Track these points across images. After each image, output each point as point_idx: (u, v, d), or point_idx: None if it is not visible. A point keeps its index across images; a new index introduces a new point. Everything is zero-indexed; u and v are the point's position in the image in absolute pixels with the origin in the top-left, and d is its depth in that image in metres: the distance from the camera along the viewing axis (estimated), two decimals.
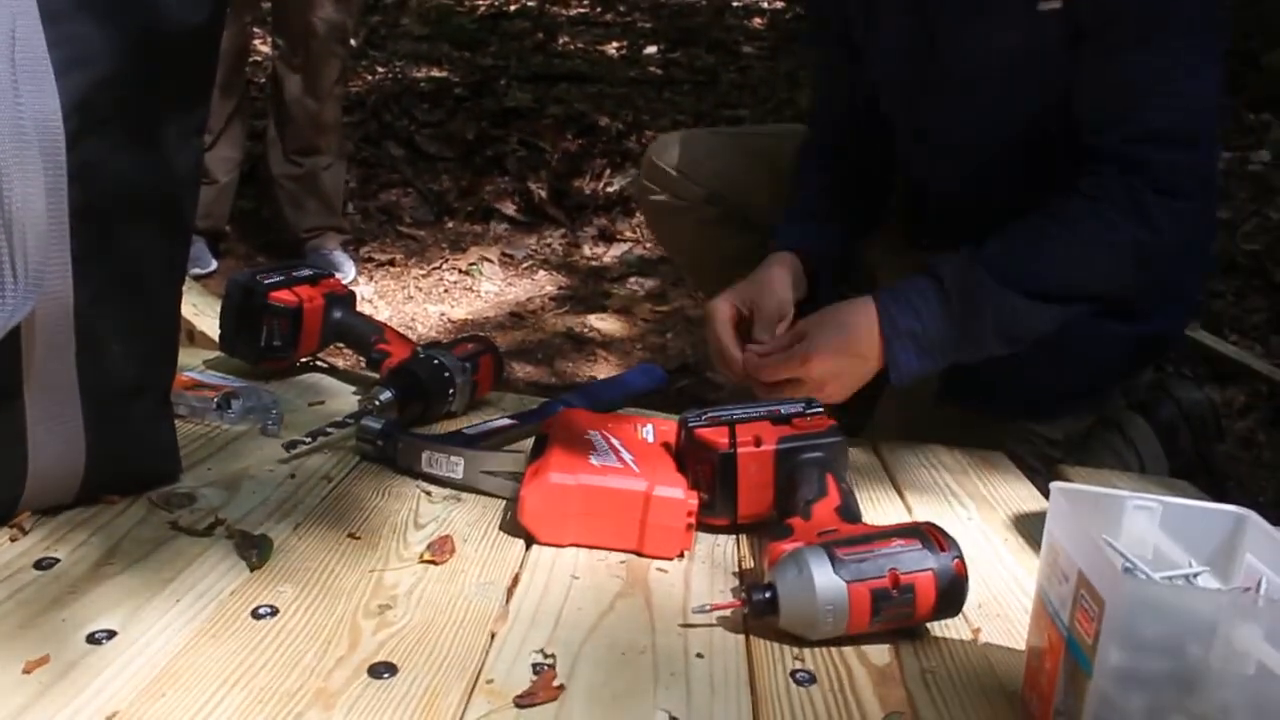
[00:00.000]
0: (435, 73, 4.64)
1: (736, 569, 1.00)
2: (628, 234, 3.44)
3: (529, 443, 1.12)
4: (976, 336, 1.32)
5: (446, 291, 3.08)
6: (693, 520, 1.00)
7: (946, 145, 1.53)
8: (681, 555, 1.00)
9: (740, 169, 1.80)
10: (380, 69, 4.65)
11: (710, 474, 1.05)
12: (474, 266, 3.20)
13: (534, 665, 0.80)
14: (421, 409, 1.26)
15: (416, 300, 3.01)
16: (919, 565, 0.87)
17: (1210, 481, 1.57)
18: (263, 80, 3.66)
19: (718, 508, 1.05)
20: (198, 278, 2.67)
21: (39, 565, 0.86)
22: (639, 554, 0.99)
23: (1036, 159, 1.39)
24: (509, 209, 3.56)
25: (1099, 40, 1.27)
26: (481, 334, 2.21)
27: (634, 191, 2.36)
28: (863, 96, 1.60)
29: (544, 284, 3.15)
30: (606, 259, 3.32)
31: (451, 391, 1.29)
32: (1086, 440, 1.67)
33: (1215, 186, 1.56)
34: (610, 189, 3.61)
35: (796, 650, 0.86)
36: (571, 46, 5.29)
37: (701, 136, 1.92)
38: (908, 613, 0.87)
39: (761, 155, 1.82)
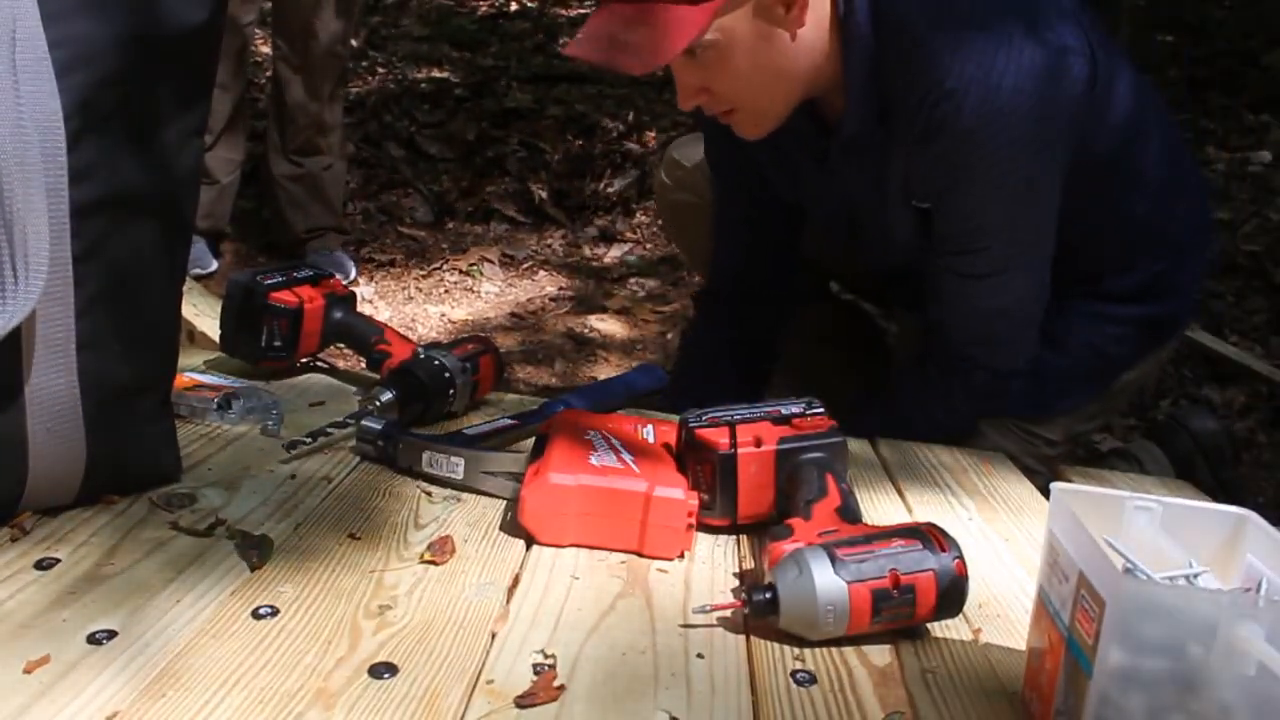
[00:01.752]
0: (436, 73, 4.64)
1: (737, 569, 1.00)
2: (628, 235, 3.44)
3: (529, 443, 1.12)
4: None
5: (447, 292, 3.08)
6: (693, 520, 1.00)
7: (874, 271, 1.77)
8: (682, 556, 1.00)
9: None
10: (381, 70, 4.65)
11: (710, 474, 1.04)
12: (474, 267, 3.20)
13: (534, 665, 0.80)
14: (422, 409, 1.26)
15: (417, 301, 3.01)
16: (919, 565, 0.87)
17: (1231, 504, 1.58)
18: (263, 80, 3.66)
19: (718, 508, 1.05)
20: (198, 278, 2.67)
21: (39, 565, 0.86)
22: (639, 554, 0.99)
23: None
24: (509, 210, 3.56)
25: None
26: (482, 334, 2.20)
27: (654, 190, 2.33)
28: (772, 232, 1.69)
29: (544, 285, 3.15)
30: (607, 260, 3.32)
31: (452, 392, 1.29)
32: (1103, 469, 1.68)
33: (1196, 192, 1.65)
34: (611, 190, 3.61)
35: (797, 650, 0.86)
36: None
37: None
38: (908, 613, 0.87)
39: None
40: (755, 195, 1.65)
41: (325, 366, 1.44)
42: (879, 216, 1.49)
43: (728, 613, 0.88)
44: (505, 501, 1.07)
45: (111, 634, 0.78)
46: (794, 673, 0.82)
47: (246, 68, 3.00)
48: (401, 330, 1.93)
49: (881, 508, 1.18)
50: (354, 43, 3.98)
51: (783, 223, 1.67)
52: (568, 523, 0.99)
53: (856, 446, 1.34)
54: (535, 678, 0.78)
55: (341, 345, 1.44)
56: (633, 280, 3.17)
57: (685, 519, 0.99)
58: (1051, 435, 1.59)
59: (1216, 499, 1.52)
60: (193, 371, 1.33)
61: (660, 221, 2.92)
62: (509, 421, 1.25)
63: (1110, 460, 1.73)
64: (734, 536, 1.06)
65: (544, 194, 3.61)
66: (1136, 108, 1.48)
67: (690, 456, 1.06)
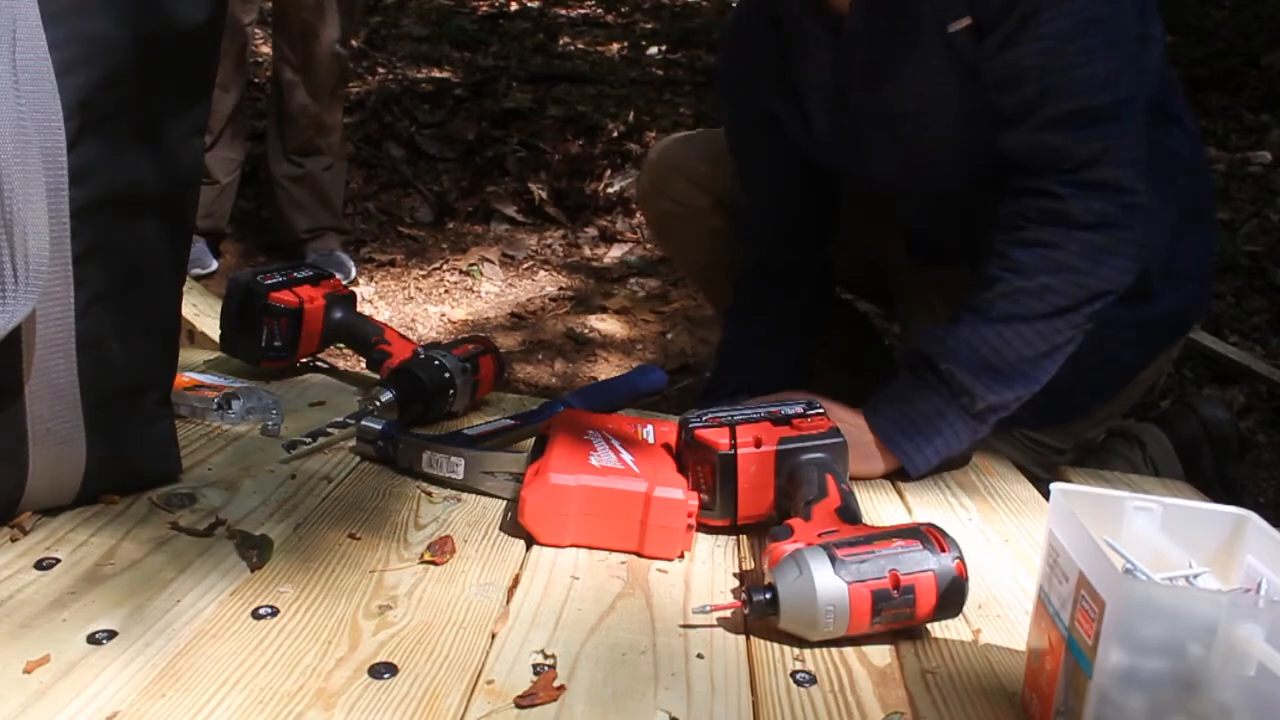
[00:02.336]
0: (436, 73, 4.64)
1: (737, 569, 1.00)
2: (628, 235, 3.44)
3: (529, 443, 1.12)
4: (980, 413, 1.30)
5: (447, 292, 3.08)
6: (693, 521, 1.00)
7: (902, 193, 1.56)
8: (682, 556, 1.00)
9: None
10: (381, 69, 4.65)
11: (710, 475, 1.04)
12: (474, 267, 3.20)
13: (534, 666, 0.80)
14: (422, 409, 1.26)
15: (417, 301, 3.01)
16: (919, 566, 0.87)
17: (1230, 501, 1.55)
18: (263, 80, 3.66)
19: (718, 509, 1.05)
20: (198, 278, 2.67)
21: (39, 565, 0.86)
22: (639, 555, 0.99)
23: (990, 189, 1.38)
24: (509, 210, 3.55)
25: (994, 37, 1.27)
26: (482, 335, 2.20)
27: (635, 195, 2.30)
28: (797, 172, 1.60)
29: (544, 285, 3.15)
30: (607, 260, 3.32)
31: (452, 392, 1.29)
32: (1103, 454, 1.66)
33: (1186, 160, 1.52)
34: (611, 190, 3.61)
35: (797, 651, 0.86)
36: (572, 47, 5.29)
37: (707, 138, 1.84)
38: (908, 613, 0.87)
39: None
40: (782, 173, 1.60)
41: (325, 366, 1.44)
42: (892, 62, 1.37)
43: (728, 613, 0.88)
44: (505, 501, 1.07)
45: (111, 634, 0.78)
46: (794, 673, 0.82)
47: (246, 68, 3.00)
48: (401, 330, 1.93)
49: (881, 508, 1.18)
50: (354, 43, 3.98)
51: (812, 200, 1.62)
52: (568, 523, 0.99)
53: None
54: (535, 678, 0.78)
55: (341, 345, 1.44)
56: (633, 280, 3.17)
57: (685, 519, 0.99)
58: (1061, 444, 1.57)
59: (1217, 493, 1.51)
60: (193, 371, 1.33)
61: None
62: (509, 421, 1.25)
63: (1110, 442, 1.71)
64: (734, 537, 1.06)
65: (544, 194, 3.61)
66: (1163, 65, 1.43)
67: (690, 457, 1.06)
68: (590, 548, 1.00)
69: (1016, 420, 1.41)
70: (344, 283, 1.64)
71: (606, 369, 2.62)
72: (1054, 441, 1.56)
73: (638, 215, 3.42)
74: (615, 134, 3.99)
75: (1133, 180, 1.27)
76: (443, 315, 2.92)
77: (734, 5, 1.46)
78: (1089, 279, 1.27)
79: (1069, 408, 1.54)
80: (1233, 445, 1.75)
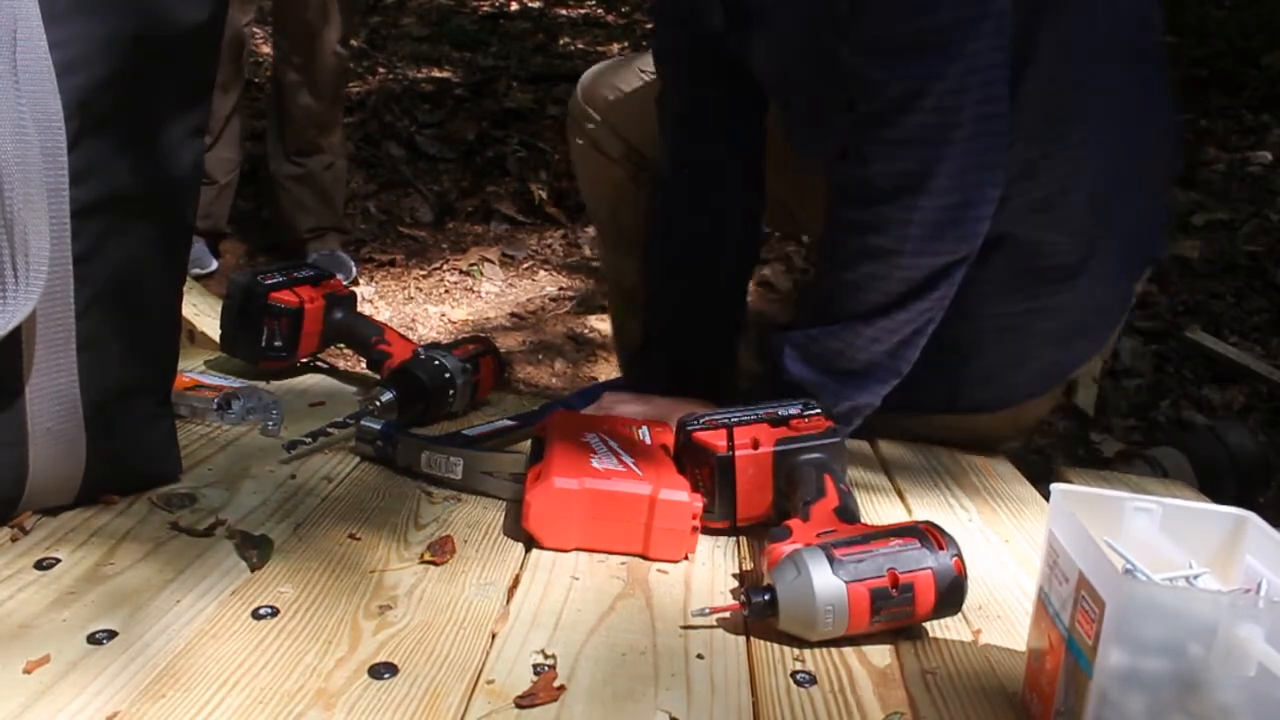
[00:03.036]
0: (436, 73, 4.64)
1: (736, 570, 1.00)
2: None
3: (529, 444, 1.12)
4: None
5: (447, 292, 3.08)
6: (697, 523, 1.00)
7: (780, 101, 1.40)
8: (687, 558, 1.00)
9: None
10: (381, 69, 4.65)
11: (709, 477, 1.04)
12: (474, 267, 3.20)
13: (534, 666, 0.80)
14: (422, 410, 1.26)
15: (417, 301, 3.01)
16: (918, 564, 0.87)
17: None
18: (263, 80, 3.66)
19: (717, 510, 1.05)
20: (198, 278, 2.67)
21: (39, 565, 0.86)
22: (645, 557, 0.99)
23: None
24: (509, 209, 3.55)
25: None
26: (482, 335, 2.20)
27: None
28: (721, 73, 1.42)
29: (544, 284, 3.15)
30: None
31: (452, 392, 1.29)
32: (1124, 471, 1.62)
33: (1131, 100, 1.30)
34: None
35: (797, 651, 0.86)
36: (572, 47, 5.28)
37: (636, 74, 1.62)
38: (907, 612, 0.87)
39: None
40: (706, 75, 1.45)
41: (325, 366, 1.44)
42: None
43: (727, 614, 0.88)
44: (505, 502, 1.07)
45: (111, 634, 0.78)
46: (794, 673, 0.83)
47: (246, 68, 3.00)
48: (401, 330, 1.93)
49: (881, 508, 1.18)
50: (354, 43, 3.98)
51: (739, 104, 1.45)
52: (572, 527, 0.98)
53: (856, 446, 1.34)
54: (535, 678, 0.78)
55: (342, 345, 1.44)
56: None
57: (690, 521, 0.99)
58: (1001, 430, 1.44)
59: None
60: (193, 371, 1.33)
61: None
62: (509, 422, 1.25)
63: (1134, 465, 1.68)
64: (733, 538, 1.06)
65: (544, 194, 3.61)
66: None
67: (688, 459, 1.06)
68: (595, 551, 0.99)
69: (917, 405, 1.32)
70: (345, 283, 1.64)
71: (606, 369, 2.62)
72: (969, 432, 1.41)
73: None
74: None
75: (950, 129, 1.09)
76: (443, 315, 2.92)
77: None
78: (919, 259, 1.13)
79: (970, 400, 1.40)
80: (1259, 475, 1.70)
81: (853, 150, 1.16)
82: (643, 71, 1.62)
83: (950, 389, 1.35)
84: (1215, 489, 1.61)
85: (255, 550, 0.92)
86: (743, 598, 0.87)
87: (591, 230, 3.46)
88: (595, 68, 1.73)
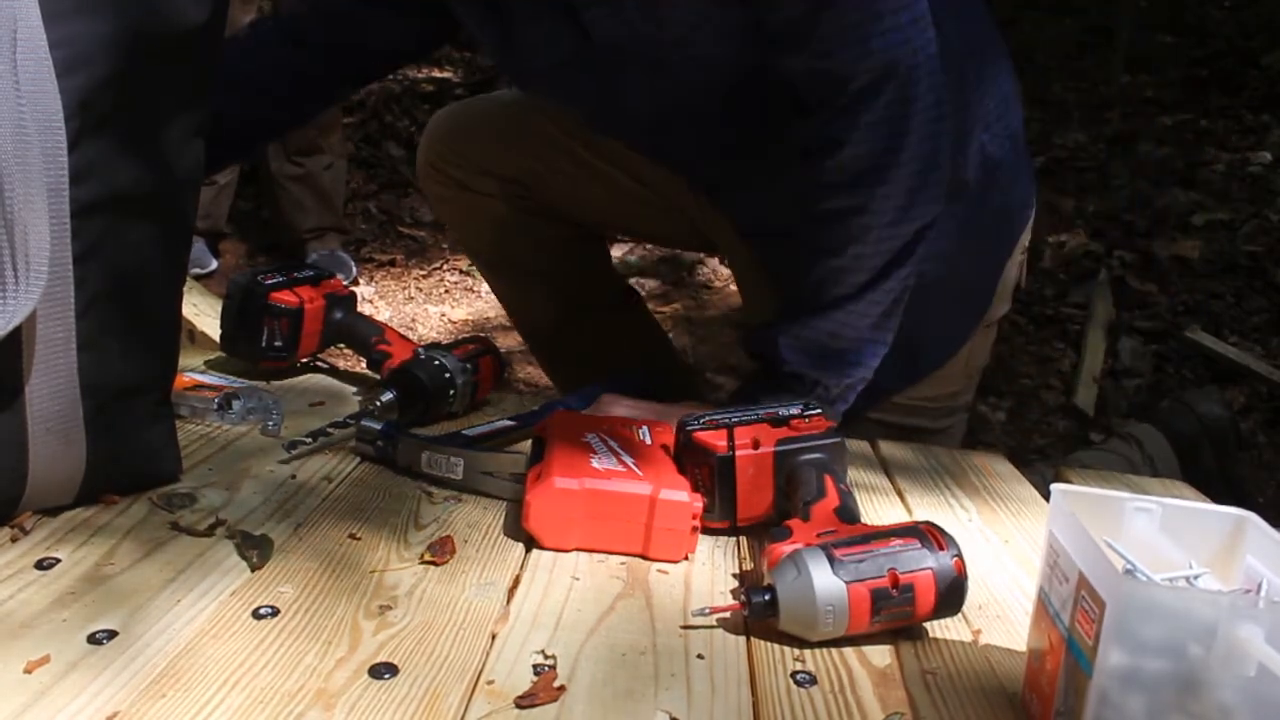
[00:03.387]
0: (436, 73, 4.64)
1: (736, 570, 1.00)
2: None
3: (529, 444, 1.12)
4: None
5: (447, 292, 3.08)
6: (698, 523, 1.00)
7: (643, 120, 1.40)
8: (687, 558, 1.00)
9: (538, 149, 1.58)
10: None
11: (709, 477, 1.04)
12: (474, 267, 3.20)
13: (534, 666, 0.80)
14: (422, 410, 1.26)
15: (417, 301, 3.01)
16: (918, 564, 0.87)
17: (1232, 497, 1.55)
18: None
19: (717, 511, 1.05)
20: (197, 278, 2.67)
21: (39, 565, 0.86)
22: (645, 558, 0.99)
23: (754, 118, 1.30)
24: None
25: None
26: (482, 335, 2.21)
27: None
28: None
29: None
30: None
31: (452, 392, 1.29)
32: (1101, 453, 1.65)
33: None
34: None
35: (797, 651, 0.86)
36: None
37: (484, 110, 1.67)
38: (908, 612, 0.87)
39: (561, 133, 1.58)
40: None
41: (325, 366, 1.44)
42: (690, 27, 1.22)
43: (727, 614, 0.89)
44: (505, 502, 1.07)
45: (111, 634, 0.78)
46: (794, 673, 0.83)
47: None
48: (401, 330, 1.93)
49: (881, 509, 1.18)
50: None
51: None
52: (572, 527, 0.99)
53: (856, 446, 1.34)
54: (535, 678, 0.78)
55: (342, 345, 1.44)
56: (633, 280, 3.17)
57: (690, 521, 0.99)
58: (958, 381, 1.49)
59: (1218, 489, 1.51)
60: (193, 371, 1.33)
61: None
62: (509, 422, 1.25)
63: (1108, 442, 1.71)
64: (733, 538, 1.06)
65: None
66: None
67: (688, 459, 1.06)
68: (595, 551, 1.00)
69: (882, 393, 1.36)
70: (345, 283, 1.64)
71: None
72: (921, 399, 1.48)
73: None
74: None
75: (912, 102, 1.17)
76: (443, 315, 2.92)
77: None
78: (898, 228, 1.20)
79: (930, 358, 1.46)
80: (1232, 441, 1.75)
81: (823, 144, 1.21)
82: (499, 104, 1.63)
83: (910, 355, 1.38)
84: (1193, 458, 1.63)
85: (255, 550, 0.92)
86: (743, 598, 0.87)
87: None
88: (440, 114, 1.74)
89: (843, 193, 1.21)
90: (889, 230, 1.21)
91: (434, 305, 2.98)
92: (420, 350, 1.34)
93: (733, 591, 0.95)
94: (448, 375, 1.28)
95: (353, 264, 3.07)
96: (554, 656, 0.81)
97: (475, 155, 1.62)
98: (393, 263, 3.21)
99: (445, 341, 1.87)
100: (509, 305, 1.86)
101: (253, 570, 0.89)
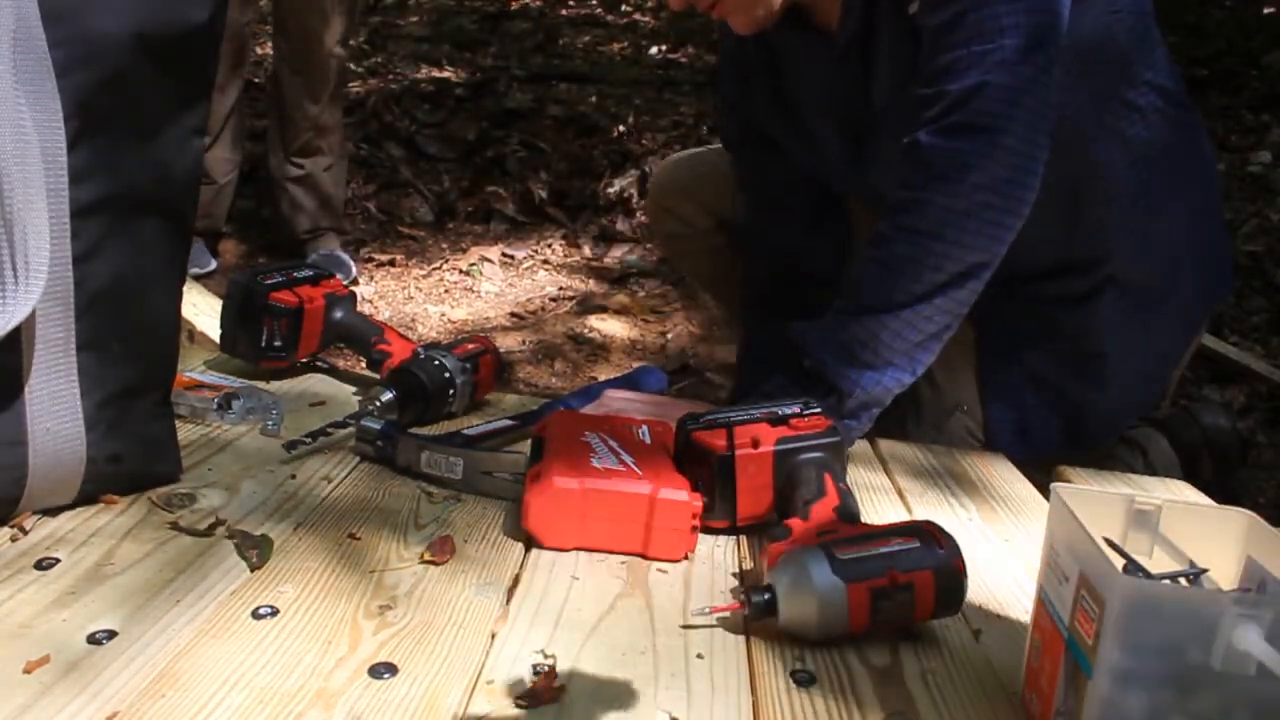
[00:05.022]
0: (436, 73, 4.64)
1: (736, 570, 1.00)
2: (628, 235, 3.44)
3: (529, 443, 1.12)
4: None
5: (447, 292, 3.08)
6: (697, 523, 1.00)
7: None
8: (686, 557, 1.00)
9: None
10: (381, 70, 4.65)
11: (709, 476, 1.04)
12: (474, 267, 3.20)
13: (534, 666, 0.80)
14: (422, 410, 1.26)
15: (417, 301, 3.01)
16: (917, 563, 0.87)
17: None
18: (263, 80, 3.66)
19: (717, 510, 1.05)
20: (196, 278, 2.67)
21: (39, 565, 0.86)
22: (644, 557, 0.99)
23: None
24: (509, 209, 3.55)
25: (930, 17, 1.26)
26: (482, 335, 2.20)
27: (645, 218, 2.36)
28: (786, 178, 1.62)
29: (544, 284, 3.15)
30: (607, 260, 3.32)
31: (452, 392, 1.29)
32: (1104, 457, 1.65)
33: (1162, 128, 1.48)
34: (611, 190, 3.61)
35: (797, 651, 0.86)
36: (572, 46, 5.29)
37: (708, 159, 1.87)
38: (907, 611, 0.87)
39: None
40: (782, 184, 1.63)
41: (325, 366, 1.44)
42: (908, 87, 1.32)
43: (727, 614, 0.88)
44: (505, 502, 1.07)
45: (111, 634, 0.78)
46: (794, 673, 0.82)
47: (246, 68, 3.00)
48: (401, 330, 1.92)
49: (881, 508, 1.18)
50: (354, 43, 3.98)
51: (815, 209, 1.63)
52: (572, 527, 0.98)
53: (856, 446, 1.34)
54: (535, 678, 0.78)
55: (341, 345, 1.44)
56: (633, 280, 3.17)
57: (690, 521, 0.99)
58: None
59: (1216, 499, 1.51)
60: (193, 371, 1.33)
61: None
62: (508, 422, 1.25)
63: (1111, 446, 1.70)
64: (733, 537, 1.06)
65: (544, 194, 3.61)
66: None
67: (688, 459, 1.06)
68: (594, 551, 0.99)
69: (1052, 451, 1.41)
70: (345, 283, 1.64)
71: (607, 369, 2.62)
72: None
73: (638, 215, 3.42)
74: (615, 134, 3.99)
75: (1006, 121, 1.19)
76: (443, 315, 2.92)
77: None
78: (950, 249, 1.21)
79: (1112, 428, 1.56)
80: (1234, 454, 1.74)
81: (911, 141, 1.24)
82: (715, 151, 1.79)
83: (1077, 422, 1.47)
84: (1193, 469, 1.63)
85: (255, 550, 0.92)
86: (743, 597, 0.87)
87: (592, 230, 3.47)
88: (667, 163, 1.95)
89: (906, 189, 1.24)
90: (941, 247, 1.22)
91: (434, 305, 2.98)
92: (420, 350, 1.34)
93: (733, 591, 0.95)
94: (448, 375, 1.28)
95: (352, 264, 3.06)
96: (554, 656, 0.81)
97: (693, 197, 1.80)
98: (392, 263, 3.21)
99: (445, 341, 1.87)
100: (727, 312, 2.03)
101: (252, 570, 0.89)
